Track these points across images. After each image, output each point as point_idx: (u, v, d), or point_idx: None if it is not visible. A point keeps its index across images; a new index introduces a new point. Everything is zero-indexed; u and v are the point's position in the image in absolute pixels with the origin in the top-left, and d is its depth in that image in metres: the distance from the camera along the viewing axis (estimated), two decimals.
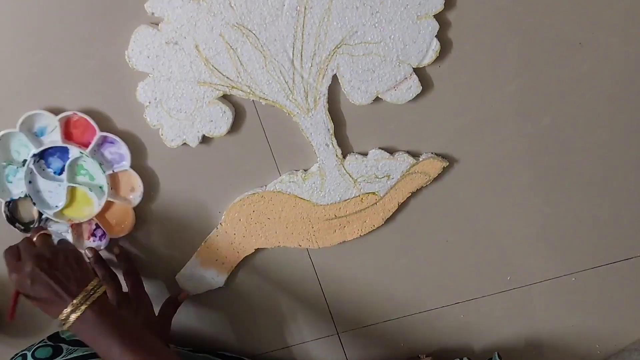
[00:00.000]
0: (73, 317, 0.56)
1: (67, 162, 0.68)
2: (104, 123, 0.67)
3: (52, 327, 0.79)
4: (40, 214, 0.71)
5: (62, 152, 0.69)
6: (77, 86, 0.66)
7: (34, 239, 0.62)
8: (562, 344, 0.81)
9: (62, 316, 0.57)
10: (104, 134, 0.66)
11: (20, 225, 0.72)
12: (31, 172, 0.69)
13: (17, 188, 0.71)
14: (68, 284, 0.58)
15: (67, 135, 0.68)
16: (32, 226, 0.72)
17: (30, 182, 0.70)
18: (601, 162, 0.70)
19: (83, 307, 0.57)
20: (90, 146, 0.66)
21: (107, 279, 0.70)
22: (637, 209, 0.72)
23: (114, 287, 0.70)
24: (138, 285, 0.72)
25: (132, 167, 0.68)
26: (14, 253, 0.60)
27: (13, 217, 0.72)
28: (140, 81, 0.64)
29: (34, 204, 0.70)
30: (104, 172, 0.68)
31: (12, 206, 0.72)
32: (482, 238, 0.74)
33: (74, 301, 0.57)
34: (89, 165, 0.69)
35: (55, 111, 0.66)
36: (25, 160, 0.68)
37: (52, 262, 0.59)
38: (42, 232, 0.63)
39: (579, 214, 0.73)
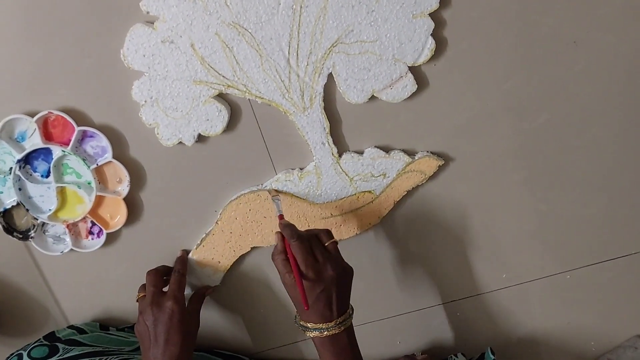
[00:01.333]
0: (328, 332, 0.59)
1: (52, 163, 0.68)
2: (81, 118, 0.67)
3: (48, 327, 0.79)
4: (36, 219, 0.71)
5: (46, 153, 0.68)
6: (72, 85, 0.65)
7: (327, 244, 0.62)
8: (557, 341, 0.81)
9: (317, 326, 0.59)
10: (83, 128, 0.66)
11: (18, 235, 0.72)
12: (19, 178, 0.69)
13: (8, 197, 0.71)
14: (341, 302, 0.60)
15: (47, 135, 0.67)
16: (30, 234, 0.72)
17: (20, 189, 0.70)
18: (596, 159, 0.70)
19: (341, 328, 0.59)
20: (71, 143, 0.66)
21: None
22: (631, 206, 0.73)
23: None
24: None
25: (115, 157, 0.68)
26: (307, 248, 0.60)
27: (10, 226, 0.72)
28: (135, 80, 0.64)
29: (27, 210, 0.70)
30: (89, 167, 0.68)
31: (6, 216, 0.72)
32: (478, 236, 0.74)
33: (338, 320, 0.59)
34: (74, 162, 0.69)
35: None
36: (11, 168, 0.68)
37: (343, 277, 0.61)
38: (333, 239, 0.63)
39: (574, 212, 0.73)
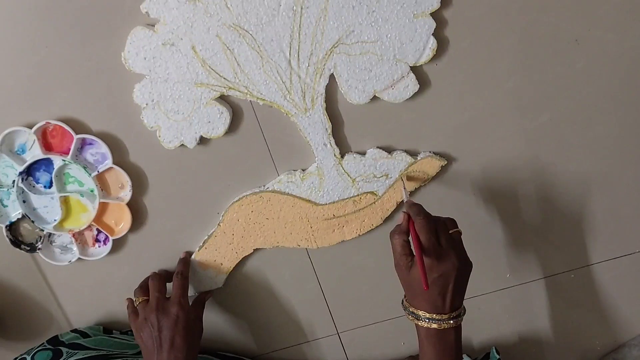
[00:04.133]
0: (438, 325, 0.56)
1: (53, 173, 0.68)
2: (80, 126, 0.67)
3: (52, 331, 0.79)
4: (42, 231, 0.71)
5: (47, 164, 0.68)
6: (72, 89, 0.65)
7: (451, 231, 0.59)
8: (561, 340, 0.81)
9: (429, 315, 0.56)
10: (81, 136, 0.66)
11: (26, 247, 0.72)
12: (22, 191, 0.69)
13: (13, 210, 0.71)
14: (456, 294, 0.57)
15: (47, 146, 0.68)
16: (37, 246, 0.72)
17: (24, 201, 0.70)
18: (599, 158, 0.70)
19: (449, 324, 0.56)
20: (71, 152, 0.66)
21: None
22: (635, 204, 0.73)
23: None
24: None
25: (116, 163, 0.68)
26: (433, 229, 0.58)
27: (16, 239, 0.72)
28: (137, 83, 0.64)
29: (33, 222, 0.70)
30: (90, 174, 0.68)
31: (12, 229, 0.72)
32: (481, 236, 0.74)
33: (452, 314, 0.56)
34: (75, 171, 0.69)
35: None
36: (14, 181, 0.68)
37: (462, 269, 0.57)
38: (458, 228, 0.60)
39: (577, 211, 0.73)
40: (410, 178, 0.69)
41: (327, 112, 0.65)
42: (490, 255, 0.75)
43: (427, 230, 0.57)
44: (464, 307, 0.59)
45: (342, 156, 0.68)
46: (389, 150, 0.68)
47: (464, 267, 0.58)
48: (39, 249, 0.72)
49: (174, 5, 0.60)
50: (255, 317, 0.80)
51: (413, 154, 0.68)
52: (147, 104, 0.65)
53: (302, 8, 0.60)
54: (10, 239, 0.72)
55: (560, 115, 0.67)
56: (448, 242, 0.57)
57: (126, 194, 0.69)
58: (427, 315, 0.56)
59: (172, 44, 0.62)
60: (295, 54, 0.62)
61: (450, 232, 0.59)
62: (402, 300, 0.60)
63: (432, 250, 0.56)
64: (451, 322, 0.56)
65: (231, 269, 0.75)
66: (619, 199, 0.72)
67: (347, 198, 0.70)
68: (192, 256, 0.74)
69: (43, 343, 0.74)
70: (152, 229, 0.73)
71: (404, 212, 0.60)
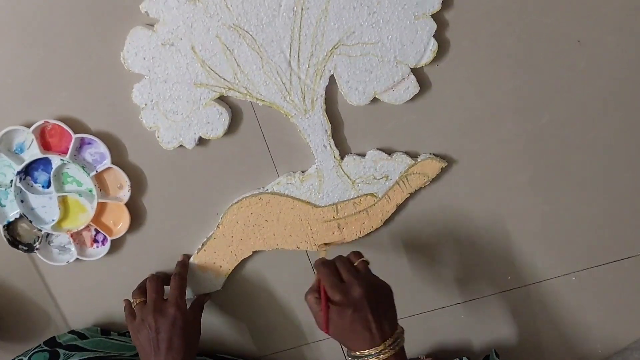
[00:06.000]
0: (378, 358, 0.55)
1: (52, 173, 0.68)
2: (79, 126, 0.66)
3: (49, 332, 0.79)
4: (40, 231, 0.71)
5: (45, 163, 0.68)
6: (71, 89, 0.65)
7: (355, 263, 0.60)
8: (562, 343, 0.81)
9: (366, 352, 0.55)
10: (80, 135, 0.66)
11: (23, 247, 0.72)
12: (20, 190, 0.69)
13: (11, 210, 0.71)
14: (381, 322, 0.56)
15: (45, 145, 0.67)
16: (35, 246, 0.72)
17: (22, 201, 0.69)
18: (600, 160, 0.70)
19: (389, 352, 0.55)
20: (69, 151, 0.66)
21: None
22: (636, 206, 0.72)
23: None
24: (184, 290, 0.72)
25: (115, 163, 0.67)
26: (333, 270, 0.59)
27: (14, 239, 0.72)
28: (136, 83, 0.64)
29: (31, 222, 0.70)
30: (89, 174, 0.68)
31: (10, 229, 0.71)
32: (482, 238, 0.74)
33: (386, 342, 0.55)
34: (73, 171, 0.69)
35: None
36: (12, 181, 0.68)
37: (376, 295, 0.57)
38: (363, 258, 0.60)
39: (578, 213, 0.73)
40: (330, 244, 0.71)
41: (327, 113, 0.65)
42: (491, 257, 0.75)
43: (328, 274, 0.58)
44: (400, 328, 0.58)
45: (342, 158, 0.67)
46: (389, 151, 0.68)
47: (376, 293, 0.57)
48: (36, 249, 0.72)
49: (173, 5, 0.59)
50: (255, 319, 0.79)
51: (413, 155, 0.68)
52: (146, 104, 0.64)
53: (302, 9, 0.59)
54: (8, 239, 0.71)
55: (561, 116, 0.67)
56: (351, 275, 0.58)
57: (125, 194, 0.69)
58: (365, 352, 0.55)
59: (172, 44, 0.61)
60: (295, 55, 0.62)
61: (355, 264, 0.60)
62: (347, 353, 0.59)
63: (336, 290, 0.56)
64: (389, 350, 0.55)
65: (230, 271, 0.74)
66: (621, 201, 0.72)
67: (346, 200, 0.69)
68: (191, 258, 0.74)
69: (40, 344, 0.73)
70: (150, 230, 0.73)
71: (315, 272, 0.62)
